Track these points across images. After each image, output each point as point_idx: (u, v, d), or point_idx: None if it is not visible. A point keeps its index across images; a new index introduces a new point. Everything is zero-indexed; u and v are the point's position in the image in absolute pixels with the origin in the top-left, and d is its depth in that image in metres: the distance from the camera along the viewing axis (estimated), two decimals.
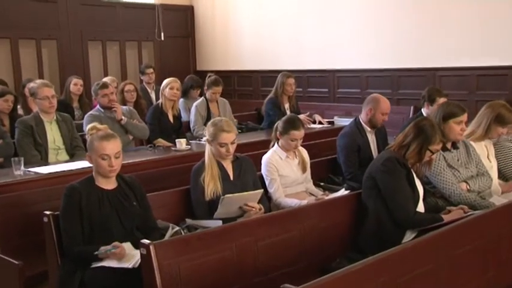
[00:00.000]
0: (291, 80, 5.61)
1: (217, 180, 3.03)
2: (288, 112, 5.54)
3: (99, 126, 2.61)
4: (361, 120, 3.93)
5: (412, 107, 6.50)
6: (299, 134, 3.42)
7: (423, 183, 3.06)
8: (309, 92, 8.23)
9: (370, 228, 2.91)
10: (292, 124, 3.43)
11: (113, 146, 2.54)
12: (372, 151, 3.91)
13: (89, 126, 2.61)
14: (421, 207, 2.93)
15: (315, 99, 8.04)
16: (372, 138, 3.95)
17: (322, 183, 3.85)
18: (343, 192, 3.40)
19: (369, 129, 3.93)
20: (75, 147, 4.25)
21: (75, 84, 5.83)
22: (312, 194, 3.56)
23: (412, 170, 2.91)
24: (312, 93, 8.18)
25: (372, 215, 2.92)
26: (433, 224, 2.75)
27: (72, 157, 4.18)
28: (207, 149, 3.12)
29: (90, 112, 4.62)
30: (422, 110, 4.57)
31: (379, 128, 3.99)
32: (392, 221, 2.84)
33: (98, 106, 4.63)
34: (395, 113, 6.74)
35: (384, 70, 7.30)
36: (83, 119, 4.87)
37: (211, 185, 3.01)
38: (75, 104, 5.81)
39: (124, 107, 4.83)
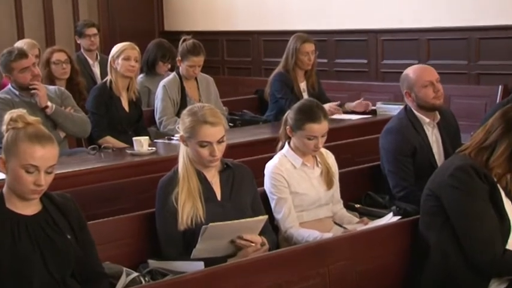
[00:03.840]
0: (309, 46, 5.62)
1: (198, 199, 3.04)
2: (305, 95, 5.55)
3: (29, 117, 2.57)
4: (412, 109, 3.95)
5: (500, 87, 6.50)
6: (319, 128, 3.43)
7: None
8: (337, 64, 8.22)
9: (433, 273, 2.92)
10: (309, 113, 3.44)
11: (48, 155, 2.51)
12: (434, 155, 3.92)
13: (13, 113, 2.57)
14: None
15: (347, 75, 8.03)
16: (433, 135, 3.96)
17: (357, 205, 3.87)
18: (390, 218, 3.41)
19: (426, 119, 3.93)
20: None
21: None
22: (337, 224, 3.57)
23: (498, 185, 2.93)
24: (343, 66, 8.17)
25: (435, 254, 2.93)
26: None
27: None
28: (182, 152, 3.13)
29: None
30: None
31: (446, 118, 4.00)
32: (467, 263, 2.85)
33: (9, 86, 4.64)
34: (473, 96, 6.74)
35: (455, 30, 7.28)
36: None
37: (187, 207, 3.02)
38: None
39: (51, 87, 4.84)
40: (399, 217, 3.40)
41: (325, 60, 7.95)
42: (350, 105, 5.70)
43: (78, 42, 6.67)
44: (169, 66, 6.02)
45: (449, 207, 2.90)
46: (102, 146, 4.64)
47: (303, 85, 5.71)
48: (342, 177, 3.70)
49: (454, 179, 2.88)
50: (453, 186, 2.88)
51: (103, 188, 3.74)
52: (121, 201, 3.65)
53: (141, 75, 5.92)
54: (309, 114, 3.43)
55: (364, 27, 7.89)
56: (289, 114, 3.50)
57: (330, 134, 3.53)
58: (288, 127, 3.49)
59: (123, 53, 4.95)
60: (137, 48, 5.07)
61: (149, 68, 5.97)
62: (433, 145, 3.93)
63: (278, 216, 3.41)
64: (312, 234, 3.30)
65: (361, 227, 3.38)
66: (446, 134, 3.99)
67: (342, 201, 3.68)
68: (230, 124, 5.56)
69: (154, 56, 5.96)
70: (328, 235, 3.27)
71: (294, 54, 5.59)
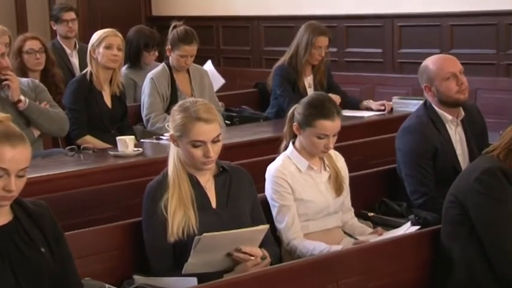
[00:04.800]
0: (324, 41, 5.61)
1: (190, 207, 3.04)
2: (311, 91, 5.55)
3: None
4: (433, 105, 3.95)
5: None
6: (332, 126, 3.43)
7: None
8: (348, 54, 8.23)
9: None
10: (321, 109, 3.44)
11: (19, 157, 2.49)
12: (458, 156, 3.93)
13: None
14: None
15: (360, 66, 8.05)
16: (457, 134, 3.97)
17: (371, 214, 3.88)
18: (408, 228, 3.42)
19: (449, 116, 3.94)
20: None
21: None
22: (348, 234, 3.58)
23: None
24: (355, 56, 8.18)
25: (459, 268, 2.95)
26: None
27: None
28: (172, 154, 3.13)
29: None
30: None
31: (471, 115, 4.01)
32: (496, 278, 2.87)
33: None
34: (502, 90, 6.72)
35: (481, 14, 7.27)
36: None
37: (178, 215, 3.02)
38: None
39: (24, 79, 4.84)
40: (418, 227, 3.41)
41: (335, 50, 7.93)
42: (370, 104, 5.70)
43: (54, 28, 6.66)
44: (156, 54, 6.03)
45: (475, 215, 2.91)
46: (82, 147, 4.62)
47: (309, 79, 5.72)
48: (353, 182, 3.70)
49: (481, 183, 2.89)
50: (479, 191, 2.89)
51: (82, 195, 3.74)
52: (103, 209, 3.65)
53: (125, 67, 5.92)
54: (320, 110, 3.43)
55: (378, 11, 7.90)
56: (297, 109, 3.50)
57: (339, 133, 3.52)
58: (295, 124, 3.49)
59: (105, 41, 4.95)
60: (120, 35, 5.06)
61: (133, 61, 5.96)
62: (457, 145, 3.94)
63: (280, 226, 3.42)
64: (317, 247, 3.31)
65: (374, 238, 3.38)
66: (471, 132, 4.00)
67: (353, 210, 3.69)
68: (227, 122, 5.57)
69: (136, 46, 5.92)
70: (336, 247, 3.27)
71: (306, 48, 5.56)
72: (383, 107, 5.58)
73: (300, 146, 3.52)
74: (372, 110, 5.61)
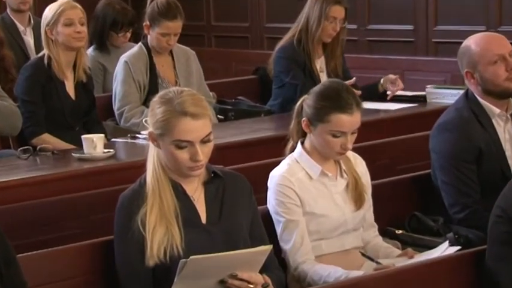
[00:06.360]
0: (339, 11, 5.61)
1: (174, 222, 3.05)
2: (324, 77, 5.58)
3: None
4: (476, 95, 3.97)
5: None
6: (350, 121, 3.44)
7: None
8: (371, 32, 8.26)
9: None
10: (336, 100, 3.45)
11: None
12: (507, 159, 3.94)
13: None
14: None
15: (386, 47, 8.07)
16: (506, 131, 3.99)
17: (399, 231, 3.90)
18: (445, 249, 3.43)
19: (496, 110, 3.95)
20: None
21: None
22: (368, 258, 3.59)
23: None
24: (379, 35, 8.21)
25: None
26: None
27: None
28: (152, 157, 3.15)
29: None
30: None
31: None
32: None
33: None
34: None
35: None
36: None
37: (159, 233, 3.03)
38: None
39: None
40: (458, 247, 3.43)
41: (354, 27, 7.96)
42: (386, 80, 5.70)
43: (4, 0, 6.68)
44: (127, 36, 6.03)
45: None
46: (38, 148, 4.64)
47: (320, 62, 5.72)
48: (376, 191, 3.72)
49: None
50: None
51: (40, 207, 3.75)
52: (65, 225, 3.67)
53: (92, 48, 5.93)
54: (336, 101, 3.43)
55: None
56: (307, 101, 3.51)
57: (359, 131, 3.52)
58: (304, 119, 3.50)
59: (62, 17, 4.91)
60: (79, 5, 5.00)
61: (99, 43, 5.97)
62: (506, 145, 3.96)
63: (286, 246, 3.43)
64: (333, 273, 3.31)
65: (403, 262, 3.40)
66: None
67: (376, 226, 3.71)
68: (219, 116, 5.58)
69: (101, 25, 5.94)
70: (356, 273, 3.28)
71: (318, 21, 5.56)
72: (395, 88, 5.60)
73: (311, 146, 3.54)
74: (399, 99, 5.61)
